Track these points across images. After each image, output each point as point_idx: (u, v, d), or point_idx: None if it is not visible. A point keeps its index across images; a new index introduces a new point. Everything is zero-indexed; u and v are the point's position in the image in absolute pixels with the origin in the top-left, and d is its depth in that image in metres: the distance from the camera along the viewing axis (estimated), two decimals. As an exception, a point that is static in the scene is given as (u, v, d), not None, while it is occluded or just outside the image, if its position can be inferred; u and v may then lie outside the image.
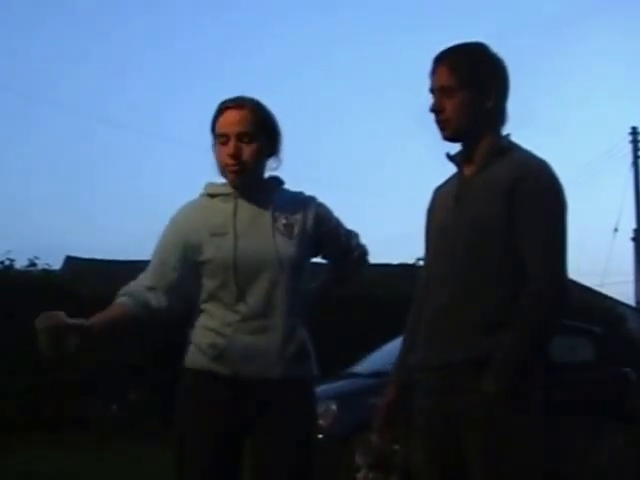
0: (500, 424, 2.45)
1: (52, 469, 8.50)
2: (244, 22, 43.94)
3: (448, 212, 2.66)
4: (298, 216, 2.86)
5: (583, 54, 49.17)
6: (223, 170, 2.83)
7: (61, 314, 2.59)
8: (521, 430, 2.48)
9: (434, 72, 2.64)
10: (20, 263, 13.47)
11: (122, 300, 2.78)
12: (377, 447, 2.71)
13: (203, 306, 2.82)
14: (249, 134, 2.80)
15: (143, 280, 2.82)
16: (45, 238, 31.49)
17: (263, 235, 2.80)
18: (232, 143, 2.79)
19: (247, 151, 2.79)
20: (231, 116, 2.81)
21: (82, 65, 40.60)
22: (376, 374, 7.94)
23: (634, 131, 24.97)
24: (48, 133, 38.25)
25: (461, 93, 2.59)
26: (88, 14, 39.61)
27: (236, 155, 2.78)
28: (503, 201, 2.52)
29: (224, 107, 2.83)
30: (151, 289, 2.79)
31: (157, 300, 2.78)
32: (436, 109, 2.63)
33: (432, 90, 2.65)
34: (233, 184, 2.84)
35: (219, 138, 2.81)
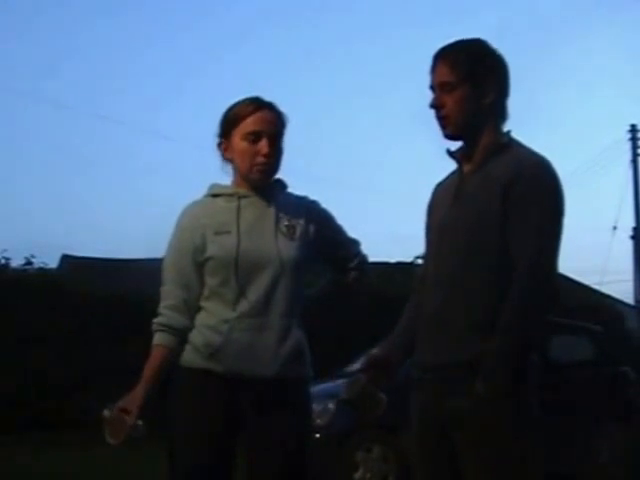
0: (494, 425, 2.43)
1: (51, 469, 8.50)
2: (242, 20, 43.97)
3: (447, 209, 2.64)
4: (300, 219, 2.86)
5: (582, 51, 49.27)
6: (249, 168, 2.81)
7: (129, 401, 2.69)
8: (515, 430, 2.46)
9: (434, 69, 2.64)
10: (16, 262, 13.53)
11: (163, 339, 2.78)
12: (361, 385, 2.70)
13: (202, 304, 2.82)
14: (280, 136, 2.83)
15: (173, 299, 2.81)
16: (41, 237, 31.46)
17: (266, 235, 2.80)
18: (267, 142, 2.78)
19: (277, 153, 2.82)
20: (267, 115, 2.81)
21: (80, 63, 40.61)
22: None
23: (633, 129, 24.97)
24: (44, 131, 38.25)
25: (461, 89, 2.58)
26: (84, 11, 39.61)
27: (272, 154, 2.79)
28: (499, 199, 2.50)
29: (256, 106, 2.82)
30: (182, 309, 2.80)
31: (190, 318, 2.80)
32: (436, 105, 2.61)
33: (432, 87, 2.64)
34: (257, 184, 2.83)
35: (248, 136, 2.79)
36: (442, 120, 2.62)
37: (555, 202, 2.52)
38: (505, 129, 2.65)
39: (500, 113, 2.64)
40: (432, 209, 2.77)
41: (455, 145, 2.69)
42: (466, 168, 2.65)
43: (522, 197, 2.48)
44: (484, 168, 2.59)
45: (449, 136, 2.65)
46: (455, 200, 2.62)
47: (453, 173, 2.73)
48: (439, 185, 2.80)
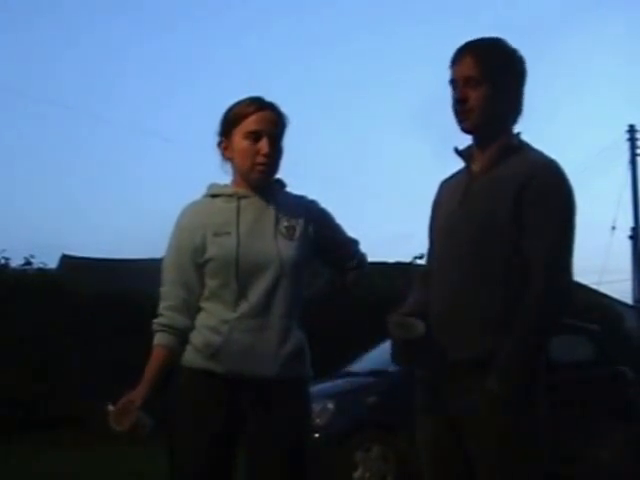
0: (503, 424, 2.44)
1: (51, 469, 8.50)
2: (237, 18, 43.90)
3: (455, 208, 2.65)
4: (300, 219, 2.86)
5: (580, 51, 49.21)
6: (249, 167, 2.82)
7: (132, 395, 2.70)
8: (524, 430, 2.47)
9: (458, 62, 2.63)
10: (16, 262, 13.50)
11: (163, 340, 2.79)
12: (424, 326, 2.57)
13: (202, 305, 2.82)
14: (280, 136, 2.84)
15: (173, 299, 2.81)
16: (40, 237, 31.46)
17: (265, 236, 2.80)
18: (268, 142, 2.79)
19: (277, 153, 2.83)
20: (268, 115, 2.82)
21: (79, 63, 40.58)
22: (373, 373, 7.95)
23: (631, 129, 24.98)
24: (42, 131, 38.25)
25: (485, 85, 2.58)
26: (82, 10, 39.59)
27: (272, 154, 2.80)
28: (511, 200, 2.51)
29: (258, 106, 2.82)
30: (182, 309, 2.80)
31: (190, 318, 2.80)
32: (460, 99, 2.61)
33: (452, 81, 2.64)
34: (257, 183, 2.83)
35: (249, 135, 2.80)
36: (464, 114, 2.61)
37: (567, 204, 2.54)
38: (515, 131, 2.66)
39: (515, 114, 2.65)
40: (438, 206, 2.77)
41: (456, 144, 2.70)
42: (475, 167, 2.65)
43: (534, 199, 2.49)
44: (495, 169, 2.60)
45: (466, 130, 2.64)
46: (464, 199, 2.62)
47: (460, 171, 2.73)
48: (445, 182, 2.80)
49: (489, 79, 2.58)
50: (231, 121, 2.84)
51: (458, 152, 2.69)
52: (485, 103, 2.58)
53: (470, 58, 2.60)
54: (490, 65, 2.58)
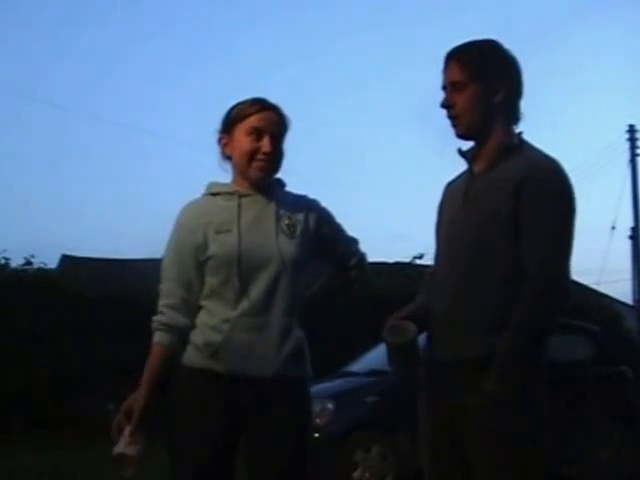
0: (501, 423, 2.44)
1: (51, 469, 8.50)
2: (236, 16, 43.93)
3: (457, 209, 2.66)
4: (300, 217, 2.88)
5: (580, 51, 49.21)
6: (249, 164, 2.83)
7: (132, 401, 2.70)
8: (523, 430, 2.47)
9: (445, 68, 2.65)
10: (16, 262, 13.52)
11: (163, 339, 2.78)
12: (413, 331, 2.60)
13: (203, 303, 2.82)
14: (282, 137, 2.86)
15: (173, 298, 2.81)
16: (41, 237, 31.49)
17: (266, 233, 2.81)
18: (269, 140, 2.81)
19: (278, 153, 2.84)
20: (271, 115, 2.84)
21: (78, 64, 40.60)
22: (372, 373, 7.95)
23: (631, 129, 24.98)
24: (42, 131, 38.27)
25: (471, 88, 2.60)
26: (78, 9, 39.62)
27: (273, 153, 2.81)
28: (511, 200, 2.51)
29: (262, 106, 2.85)
30: (182, 308, 2.80)
31: (190, 317, 2.81)
32: (447, 104, 2.63)
33: (444, 87, 2.66)
34: (256, 181, 2.85)
35: (251, 131, 2.81)
36: (453, 120, 2.63)
37: (566, 204, 2.54)
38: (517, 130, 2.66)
39: (511, 113, 2.65)
40: (442, 208, 2.78)
41: (457, 145, 2.70)
42: (476, 168, 2.66)
43: (533, 199, 2.50)
44: (495, 169, 2.60)
45: (460, 136, 2.66)
46: (465, 200, 2.63)
47: (464, 173, 2.74)
48: (450, 184, 2.81)
49: (476, 81, 2.59)
50: (234, 118, 2.85)
51: (461, 153, 2.69)
52: (472, 106, 2.60)
53: (455, 63, 2.63)
54: (476, 67, 2.59)
